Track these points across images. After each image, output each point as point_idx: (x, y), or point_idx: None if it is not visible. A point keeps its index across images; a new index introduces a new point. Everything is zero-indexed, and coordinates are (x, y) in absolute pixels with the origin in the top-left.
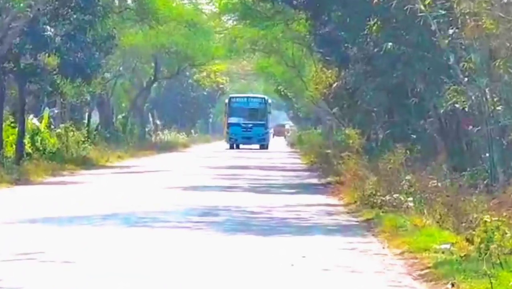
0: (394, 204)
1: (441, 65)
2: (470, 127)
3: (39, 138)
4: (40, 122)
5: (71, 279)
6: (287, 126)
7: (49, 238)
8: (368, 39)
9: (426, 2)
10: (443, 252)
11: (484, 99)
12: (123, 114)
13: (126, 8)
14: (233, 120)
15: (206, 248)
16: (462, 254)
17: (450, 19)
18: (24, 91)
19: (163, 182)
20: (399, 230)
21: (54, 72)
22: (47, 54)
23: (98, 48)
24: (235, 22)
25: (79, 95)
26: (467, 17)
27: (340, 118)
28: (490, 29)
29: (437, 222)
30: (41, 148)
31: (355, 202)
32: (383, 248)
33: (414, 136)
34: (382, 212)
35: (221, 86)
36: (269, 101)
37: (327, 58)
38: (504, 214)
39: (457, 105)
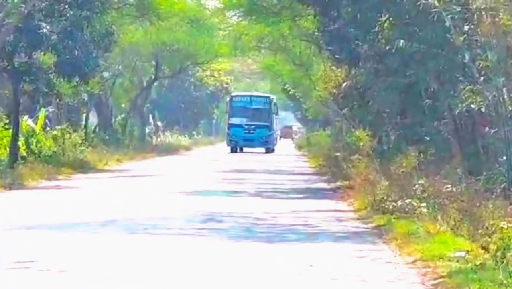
0: (407, 209)
1: (456, 64)
2: (487, 128)
3: (34, 141)
4: (35, 124)
5: None
6: (294, 128)
7: (44, 246)
8: (380, 36)
9: None
10: (457, 261)
11: (501, 99)
12: (123, 115)
13: (125, 4)
14: (234, 120)
15: (209, 256)
16: (478, 263)
17: (466, 15)
18: (19, 91)
19: (164, 186)
20: (412, 237)
21: (50, 71)
22: (42, 52)
23: (96, 45)
24: (240, 18)
25: (76, 95)
26: (483, 13)
27: (350, 119)
28: (507, 26)
29: (452, 228)
30: (36, 151)
31: (366, 207)
32: (395, 256)
33: (428, 138)
34: (394, 218)
35: (225, 85)
36: (275, 100)
37: (337, 56)
38: None
39: (472, 106)
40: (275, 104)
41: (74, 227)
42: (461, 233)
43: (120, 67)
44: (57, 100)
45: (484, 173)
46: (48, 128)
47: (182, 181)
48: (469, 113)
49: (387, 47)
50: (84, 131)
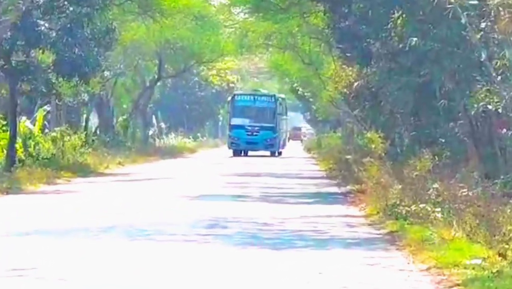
0: (420, 215)
1: (472, 62)
2: (504, 130)
3: (32, 143)
4: (33, 125)
5: None
6: (303, 130)
7: (42, 252)
8: (392, 34)
9: None
10: (473, 268)
11: None
12: (124, 116)
13: (127, 0)
14: (236, 121)
15: (214, 263)
16: (494, 270)
17: (483, 9)
18: (16, 91)
19: (167, 190)
20: (426, 243)
21: (49, 70)
22: (41, 50)
23: (96, 43)
24: (246, 15)
25: (76, 95)
26: (501, 9)
27: (361, 121)
28: None
29: (467, 235)
30: (34, 154)
31: (378, 212)
32: (408, 263)
33: (443, 140)
34: (407, 223)
35: (231, 85)
36: (280, 100)
37: (348, 54)
38: None
39: (489, 106)
40: (281, 103)
41: (74, 233)
42: (477, 240)
43: (121, 66)
44: (56, 100)
45: (502, 177)
46: (47, 130)
47: (186, 185)
48: (485, 114)
49: (400, 45)
50: (84, 133)
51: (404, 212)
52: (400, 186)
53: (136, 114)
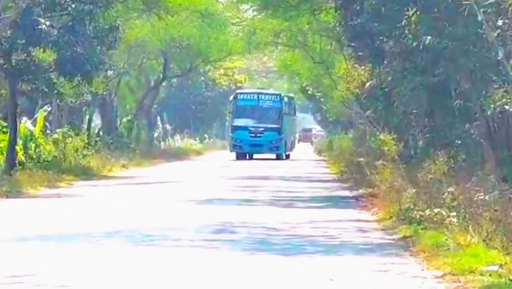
0: (435, 219)
1: (489, 61)
2: None
3: (33, 145)
4: (34, 126)
5: None
6: (313, 131)
7: (43, 258)
8: (406, 32)
9: None
10: (490, 275)
11: None
12: (128, 117)
13: None
14: (238, 122)
15: (221, 269)
16: None
17: (501, 6)
18: (16, 91)
19: (172, 194)
20: (440, 249)
21: (50, 70)
22: (42, 49)
23: (99, 42)
24: (255, 12)
25: (78, 96)
26: None
27: (374, 122)
28: None
29: (484, 240)
30: (35, 156)
31: (391, 217)
32: (422, 269)
33: (458, 142)
34: (421, 228)
35: (239, 85)
36: (287, 99)
37: (360, 53)
38: None
39: (506, 107)
40: (288, 103)
41: (76, 238)
42: (494, 245)
43: (125, 65)
44: (58, 100)
45: None
46: (48, 131)
47: (192, 189)
48: (502, 115)
49: (415, 44)
50: (86, 134)
51: (418, 216)
52: (414, 190)
53: (140, 115)
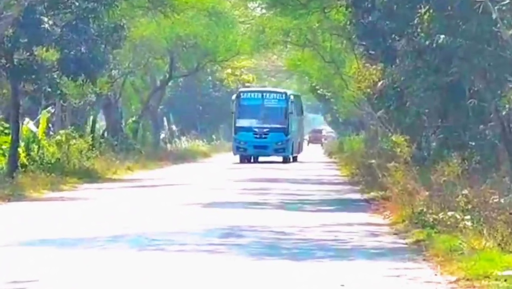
0: (449, 223)
1: (504, 60)
2: None
3: (36, 147)
4: (37, 127)
5: None
6: (324, 132)
7: (45, 264)
8: (419, 30)
9: None
10: (505, 280)
11: None
12: (134, 118)
13: None
14: (242, 122)
15: (228, 275)
16: None
17: None
18: (18, 91)
19: (179, 197)
20: (454, 253)
21: (53, 69)
22: (44, 48)
23: (104, 41)
24: (263, 10)
25: (82, 96)
26: None
27: (386, 122)
28: None
29: (499, 244)
30: (38, 158)
31: (403, 221)
32: (436, 274)
33: (472, 144)
34: (435, 232)
35: (247, 84)
36: (293, 97)
37: (371, 52)
38: None
39: None
40: (294, 101)
41: (79, 243)
42: (510, 249)
43: (130, 64)
44: (61, 101)
45: None
46: (51, 133)
47: (198, 192)
48: None
49: (427, 42)
50: (91, 136)
51: (431, 220)
52: (427, 193)
53: (146, 116)
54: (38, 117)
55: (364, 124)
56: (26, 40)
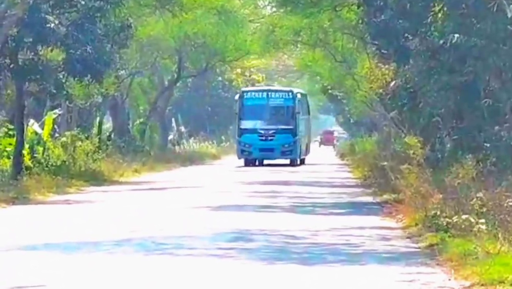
0: (463, 226)
1: None
2: None
3: (41, 149)
4: (42, 129)
5: None
6: (335, 134)
7: (51, 268)
8: (432, 29)
9: None
10: None
11: None
12: (141, 120)
13: None
14: (246, 124)
15: (237, 280)
16: None
17: None
18: (23, 92)
19: (187, 200)
20: (468, 258)
21: (59, 69)
22: (50, 48)
23: (110, 40)
24: (273, 9)
25: (88, 97)
26: None
27: (399, 124)
28: None
29: None
30: (43, 161)
31: (416, 224)
32: (449, 279)
33: (487, 145)
34: (448, 236)
35: (257, 85)
36: (300, 96)
37: (383, 51)
38: None
39: None
40: (301, 100)
41: (85, 247)
42: None
43: (138, 64)
44: (67, 102)
45: None
46: (56, 134)
47: (207, 194)
48: None
49: (441, 41)
50: (97, 137)
51: (445, 223)
52: (440, 196)
53: (153, 117)
54: (43, 119)
55: (377, 125)
56: (30, 39)
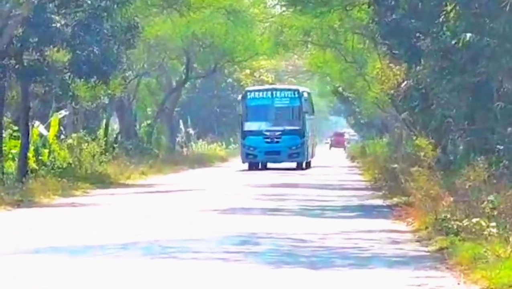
0: (473, 230)
1: None
2: None
3: (47, 151)
4: (48, 131)
5: None
6: (346, 135)
7: (55, 272)
8: (444, 29)
9: None
10: None
11: None
12: (148, 121)
13: None
14: (250, 126)
15: (243, 283)
16: None
17: None
18: (28, 94)
19: (194, 203)
20: (478, 262)
21: (64, 70)
22: (55, 49)
23: (117, 40)
24: (283, 8)
25: (94, 98)
26: None
27: (410, 125)
28: None
29: None
30: (48, 163)
31: (426, 227)
32: (458, 283)
33: (500, 147)
34: (459, 240)
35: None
36: (306, 94)
37: (394, 51)
38: None
39: None
40: (306, 99)
41: (89, 250)
42: None
43: (145, 65)
44: (73, 103)
45: None
46: (62, 136)
47: (215, 197)
48: None
49: (453, 41)
50: (103, 139)
51: (455, 227)
52: (451, 198)
53: (161, 118)
54: (48, 120)
55: (388, 126)
56: (36, 40)
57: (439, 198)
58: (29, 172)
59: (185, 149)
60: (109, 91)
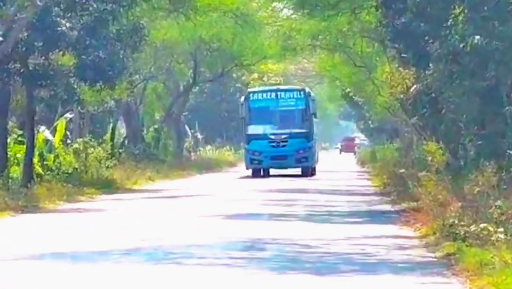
0: (481, 236)
1: None
2: None
3: (52, 156)
4: (53, 136)
5: None
6: (357, 140)
7: (58, 279)
8: (453, 32)
9: None
10: None
11: None
12: (155, 126)
13: None
14: (254, 129)
15: None
16: None
17: None
18: (34, 98)
19: (200, 209)
20: (485, 268)
21: (70, 74)
22: (61, 52)
23: (123, 44)
24: (290, 12)
25: (100, 103)
26: None
27: (420, 130)
28: None
29: None
30: (54, 168)
31: (434, 233)
32: None
33: (510, 152)
34: (466, 245)
35: None
36: (313, 94)
37: (403, 55)
38: None
39: None
40: (313, 99)
41: (93, 257)
42: None
43: (152, 69)
44: (79, 108)
45: None
46: (68, 141)
47: (222, 203)
48: None
49: (462, 45)
50: (110, 144)
51: (462, 232)
52: (459, 204)
53: (168, 123)
54: (54, 125)
55: (398, 131)
56: (41, 44)
57: (446, 203)
58: (34, 177)
59: (192, 154)
60: (116, 96)
